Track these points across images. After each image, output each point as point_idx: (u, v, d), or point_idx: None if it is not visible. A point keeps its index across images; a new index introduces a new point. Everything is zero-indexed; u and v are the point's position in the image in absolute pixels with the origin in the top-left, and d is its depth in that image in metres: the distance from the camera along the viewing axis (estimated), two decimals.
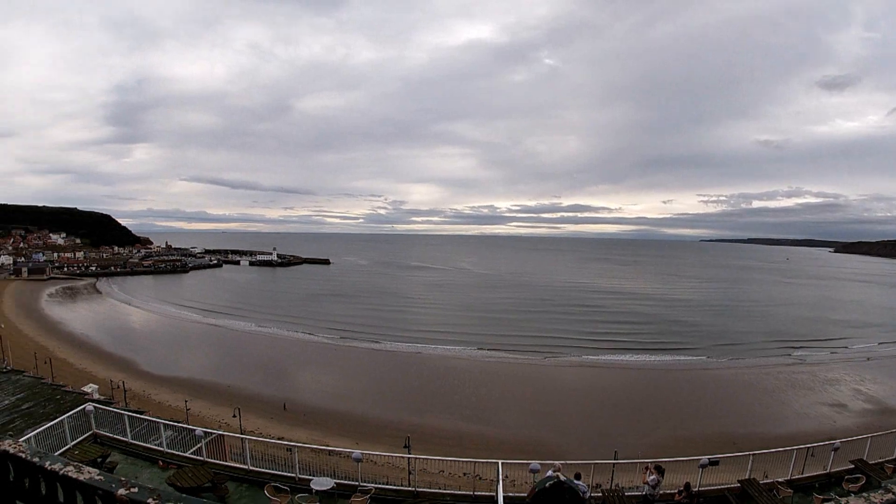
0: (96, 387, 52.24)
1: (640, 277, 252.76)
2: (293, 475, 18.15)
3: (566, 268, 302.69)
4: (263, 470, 18.72)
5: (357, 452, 17.70)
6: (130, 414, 21.13)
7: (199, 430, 20.01)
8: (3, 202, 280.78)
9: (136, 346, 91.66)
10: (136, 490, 1.94)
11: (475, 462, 20.49)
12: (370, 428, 54.87)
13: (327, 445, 38.13)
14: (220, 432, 22.48)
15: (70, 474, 2.06)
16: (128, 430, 20.36)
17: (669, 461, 18.57)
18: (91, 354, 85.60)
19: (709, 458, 17.76)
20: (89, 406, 20.96)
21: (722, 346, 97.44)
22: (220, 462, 19.65)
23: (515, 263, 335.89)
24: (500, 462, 16.76)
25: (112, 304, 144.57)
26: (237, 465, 19.19)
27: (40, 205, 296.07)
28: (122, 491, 2.17)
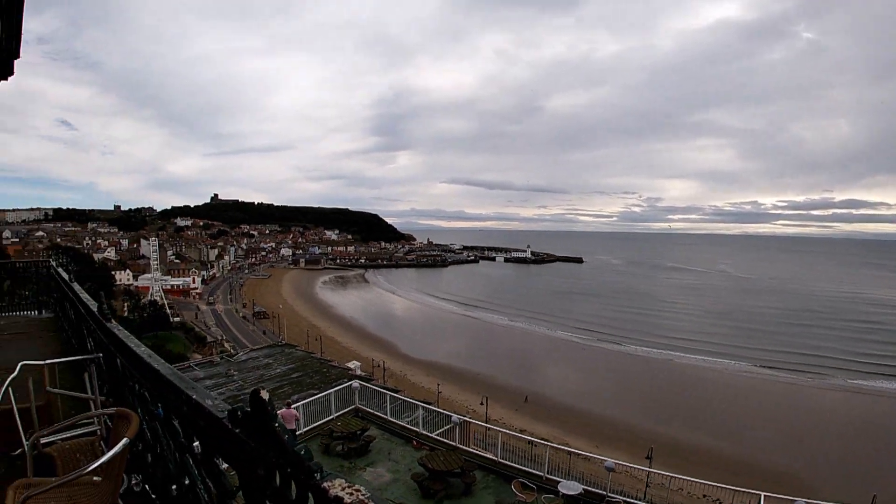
0: (359, 364, 56.13)
1: None
2: (541, 474, 17.16)
3: (838, 274, 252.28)
4: (511, 464, 18.04)
5: (609, 461, 16.26)
6: (391, 393, 21.93)
7: (455, 417, 20.07)
8: (285, 203, 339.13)
9: (396, 331, 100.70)
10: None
11: (733, 490, 16.98)
12: (611, 431, 52.83)
13: (567, 444, 36.88)
14: (467, 418, 22.20)
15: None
16: (388, 407, 21.16)
17: None
18: (356, 335, 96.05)
19: None
20: (355, 383, 22.48)
21: None
22: (470, 449, 19.32)
23: (780, 267, 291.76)
24: (762, 495, 14.63)
25: (378, 293, 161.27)
26: (486, 455, 18.85)
27: (316, 206, 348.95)
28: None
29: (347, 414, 21.58)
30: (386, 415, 21.36)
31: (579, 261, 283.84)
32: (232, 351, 72.77)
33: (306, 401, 20.68)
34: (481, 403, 53.64)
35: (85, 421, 4.29)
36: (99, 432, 4.44)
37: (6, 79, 9.47)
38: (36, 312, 13.19)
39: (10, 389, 3.97)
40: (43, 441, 3.64)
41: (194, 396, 2.48)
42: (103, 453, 2.83)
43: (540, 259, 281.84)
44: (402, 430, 20.72)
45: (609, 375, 74.32)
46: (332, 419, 20.71)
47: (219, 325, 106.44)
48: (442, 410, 21.85)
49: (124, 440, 2.73)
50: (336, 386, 22.69)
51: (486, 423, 30.33)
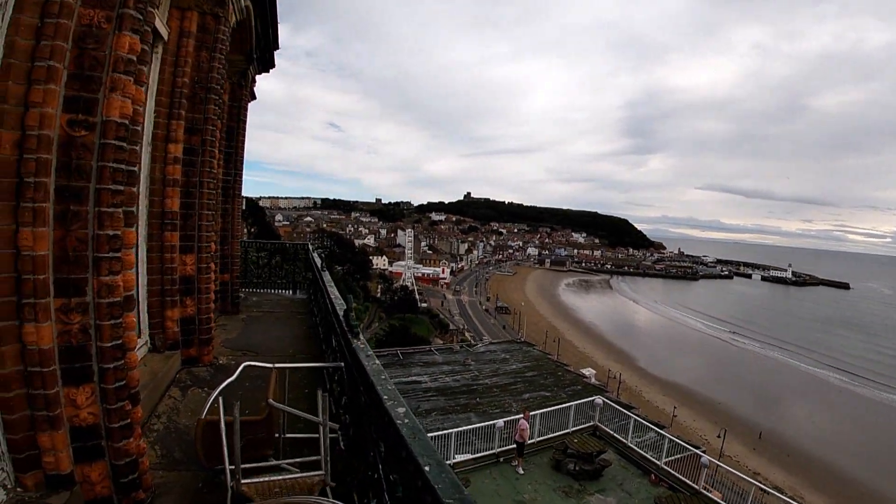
0: (594, 372, 54.45)
1: None
2: None
3: None
4: None
5: None
6: (636, 417, 20.33)
7: (704, 458, 17.70)
8: (534, 204, 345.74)
9: (636, 343, 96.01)
10: None
11: None
12: (857, 493, 45.40)
13: (802, 498, 31.53)
14: (717, 462, 19.55)
15: None
16: (630, 432, 19.64)
17: None
18: (594, 341, 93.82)
19: None
20: (598, 399, 21.27)
21: None
22: (715, 499, 16.93)
23: None
24: None
25: (621, 300, 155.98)
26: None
27: (565, 208, 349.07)
28: None
29: (585, 431, 20.61)
30: (627, 439, 19.84)
31: (846, 286, 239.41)
32: (472, 341, 76.38)
33: (544, 410, 20.14)
34: (718, 436, 48.81)
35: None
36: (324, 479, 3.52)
37: (268, 71, 10.78)
38: (291, 292, 14.05)
39: (220, 399, 3.63)
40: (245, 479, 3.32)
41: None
42: None
43: (801, 281, 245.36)
44: (642, 459, 19.05)
45: (865, 425, 62.63)
46: (569, 434, 19.87)
47: (462, 315, 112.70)
48: (686, 444, 19.46)
49: None
50: (576, 399, 21.93)
51: (720, 458, 27.11)
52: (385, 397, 2.97)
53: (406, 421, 2.65)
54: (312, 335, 8.83)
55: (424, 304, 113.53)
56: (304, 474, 3.50)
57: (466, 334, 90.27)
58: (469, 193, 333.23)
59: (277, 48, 10.35)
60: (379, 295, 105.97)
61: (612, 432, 20.68)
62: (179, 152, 5.50)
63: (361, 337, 4.44)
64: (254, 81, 10.64)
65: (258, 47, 9.41)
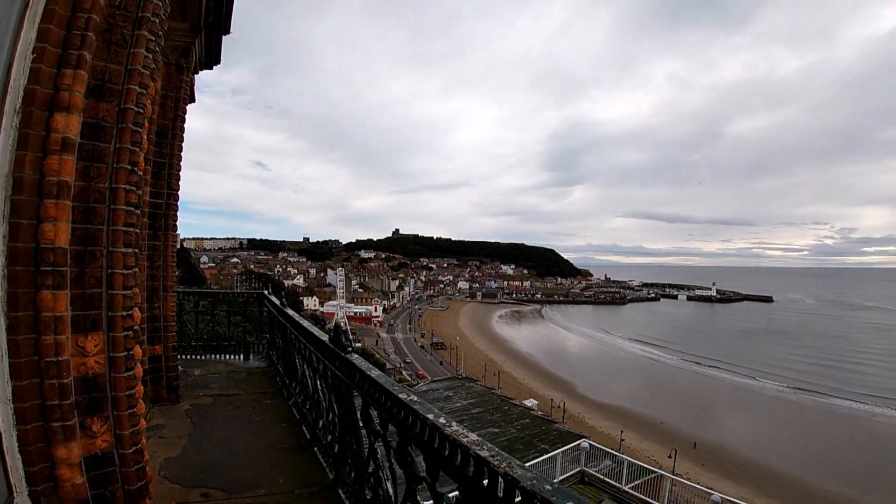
0: (536, 402, 53.71)
1: None
2: None
3: None
4: None
5: None
6: (630, 459, 18.76)
7: (716, 496, 16.10)
8: (462, 238, 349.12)
9: (573, 369, 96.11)
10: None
11: None
12: (807, 497, 46.77)
13: None
14: (730, 499, 18.16)
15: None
16: (623, 476, 17.81)
17: None
18: (532, 371, 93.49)
19: None
20: (584, 443, 19.50)
21: None
22: None
23: None
24: None
25: (554, 329, 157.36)
26: None
27: (493, 241, 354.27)
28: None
29: (572, 478, 18.72)
30: (621, 483, 17.98)
31: (769, 300, 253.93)
32: (410, 379, 73.92)
33: (531, 462, 17.92)
34: (669, 456, 48.86)
35: None
36: None
37: (212, 67, 8.00)
38: (241, 357, 10.41)
39: None
40: None
41: None
42: None
43: (726, 298, 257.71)
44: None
45: (805, 430, 65.04)
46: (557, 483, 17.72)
47: (398, 353, 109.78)
48: (704, 488, 17.95)
49: None
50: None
51: (672, 476, 26.48)
52: None
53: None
54: (298, 435, 5.87)
55: (359, 344, 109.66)
56: None
57: (404, 373, 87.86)
58: (398, 230, 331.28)
59: (228, 32, 7.41)
60: None
61: (602, 476, 19.18)
62: (74, 130, 2.73)
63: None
64: (196, 69, 7.64)
65: (208, 16, 6.54)
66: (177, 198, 6.69)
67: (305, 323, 5.64)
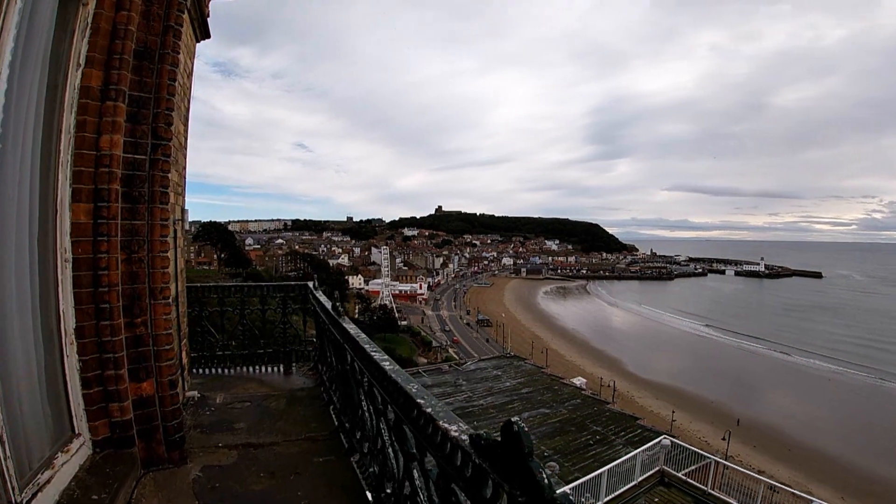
0: (585, 381, 52.58)
1: None
2: None
3: None
4: None
5: None
6: (718, 459, 16.70)
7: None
8: (505, 214, 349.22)
9: (621, 346, 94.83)
10: None
11: None
12: (859, 481, 44.62)
13: (810, 493, 29.14)
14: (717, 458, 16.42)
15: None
16: (710, 479, 15.73)
17: None
18: (580, 349, 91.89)
19: None
20: (665, 440, 17.35)
21: None
22: None
23: None
24: None
25: (600, 305, 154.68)
26: None
27: (537, 216, 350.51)
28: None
29: (652, 478, 17.59)
30: (706, 486, 15.98)
31: (818, 276, 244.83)
32: (456, 357, 72.76)
33: (608, 466, 16.13)
34: (723, 439, 47.54)
35: None
36: None
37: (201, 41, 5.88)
38: (279, 369, 8.04)
39: None
40: None
41: None
42: None
43: (775, 273, 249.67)
44: None
45: (858, 412, 62.19)
46: (634, 485, 16.21)
47: (443, 331, 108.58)
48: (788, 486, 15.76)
49: None
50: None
51: (726, 458, 25.93)
52: None
53: None
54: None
55: (404, 322, 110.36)
56: None
57: (450, 350, 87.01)
58: (440, 207, 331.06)
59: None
60: (358, 315, 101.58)
61: (683, 476, 17.92)
62: None
63: None
64: None
65: None
66: (168, 150, 4.10)
67: (378, 356, 3.08)
